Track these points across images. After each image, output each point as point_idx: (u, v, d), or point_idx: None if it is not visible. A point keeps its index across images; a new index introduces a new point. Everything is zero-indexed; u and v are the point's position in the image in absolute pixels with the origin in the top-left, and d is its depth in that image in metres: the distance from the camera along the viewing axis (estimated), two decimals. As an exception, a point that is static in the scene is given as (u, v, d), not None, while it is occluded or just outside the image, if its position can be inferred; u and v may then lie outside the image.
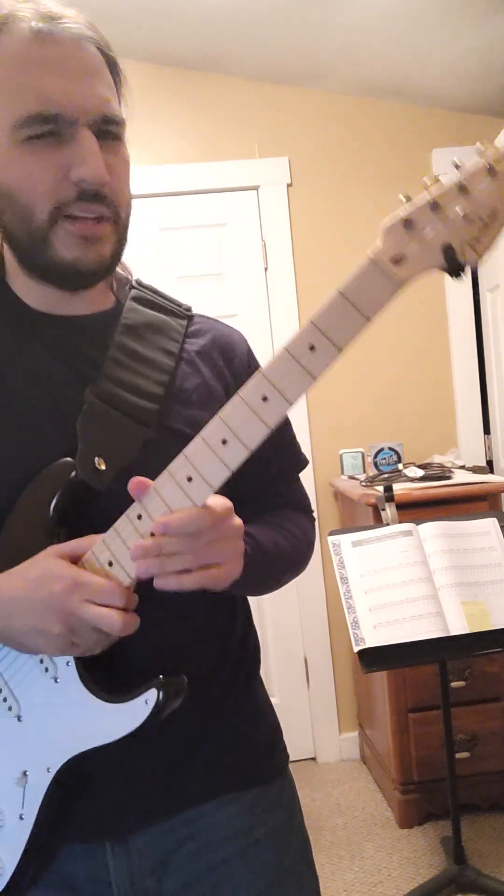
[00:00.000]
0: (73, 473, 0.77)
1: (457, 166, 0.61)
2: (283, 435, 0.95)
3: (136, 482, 0.70)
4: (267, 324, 2.87)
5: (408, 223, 0.61)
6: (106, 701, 0.74)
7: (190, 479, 0.68)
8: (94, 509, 0.79)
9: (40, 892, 0.82)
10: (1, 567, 0.78)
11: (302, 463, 1.01)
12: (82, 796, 0.81)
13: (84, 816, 0.81)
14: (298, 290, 2.89)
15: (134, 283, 0.93)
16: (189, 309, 0.94)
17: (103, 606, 0.70)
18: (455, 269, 0.62)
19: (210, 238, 2.88)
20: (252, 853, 0.87)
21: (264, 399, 0.66)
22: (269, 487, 0.95)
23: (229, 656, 0.91)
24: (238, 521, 0.73)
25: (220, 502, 0.71)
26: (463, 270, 0.62)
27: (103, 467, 0.77)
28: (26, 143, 0.75)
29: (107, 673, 0.77)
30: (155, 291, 0.94)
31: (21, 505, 0.79)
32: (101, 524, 0.74)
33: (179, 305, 0.94)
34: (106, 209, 0.78)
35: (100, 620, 0.70)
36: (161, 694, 0.71)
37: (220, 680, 0.89)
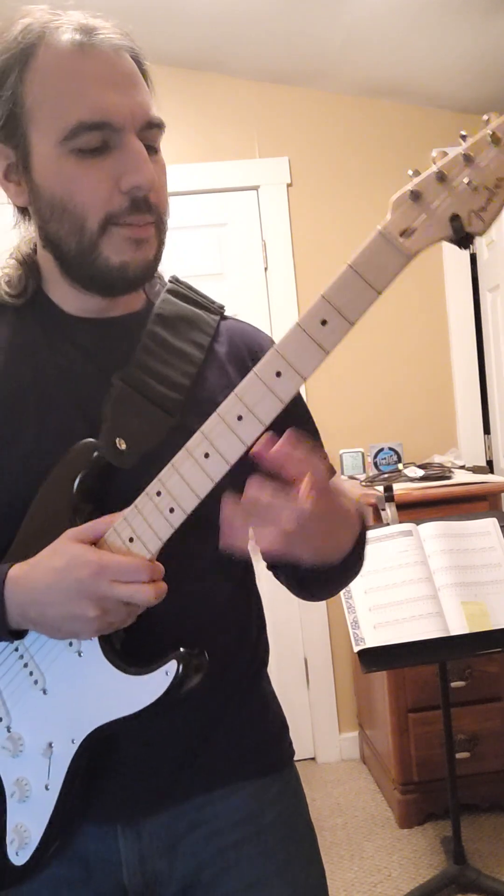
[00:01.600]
0: (95, 453, 0.80)
1: (463, 137, 0.62)
2: (298, 409, 0.96)
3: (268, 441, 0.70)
4: (267, 324, 2.87)
5: (415, 195, 0.63)
6: (127, 673, 0.77)
7: (207, 456, 0.71)
8: (115, 489, 0.81)
9: (55, 868, 0.84)
10: (27, 546, 0.80)
11: (317, 436, 1.02)
12: (99, 778, 0.83)
13: (97, 799, 0.83)
14: (298, 290, 2.89)
15: (170, 279, 0.96)
16: (222, 307, 0.96)
17: (131, 583, 0.73)
18: (463, 240, 0.63)
19: (210, 238, 2.88)
20: (261, 838, 0.89)
21: (278, 374, 0.68)
22: None
23: (245, 647, 0.93)
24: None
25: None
26: (471, 240, 0.64)
27: (123, 447, 0.79)
28: (75, 153, 0.76)
29: (130, 650, 0.79)
30: (190, 287, 0.96)
31: (45, 487, 0.81)
32: (124, 504, 0.77)
33: (213, 303, 0.96)
34: (152, 216, 0.80)
35: (132, 596, 0.72)
36: (181, 666, 0.74)
37: (234, 669, 0.91)
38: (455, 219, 0.62)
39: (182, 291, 0.94)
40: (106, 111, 0.75)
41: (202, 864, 0.87)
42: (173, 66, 2.76)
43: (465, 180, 0.61)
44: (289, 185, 2.90)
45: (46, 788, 0.81)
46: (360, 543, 0.84)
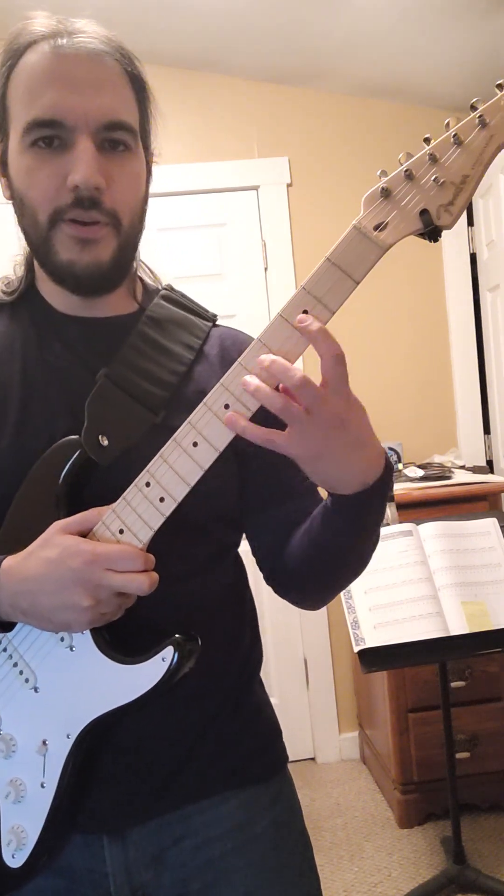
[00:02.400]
0: (78, 449, 0.80)
1: (427, 140, 0.68)
2: None
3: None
4: (267, 324, 2.87)
5: (385, 192, 0.68)
6: (122, 663, 0.77)
7: (196, 444, 0.72)
8: (97, 485, 0.81)
9: (41, 880, 0.83)
10: (11, 539, 0.80)
11: None
12: (85, 787, 0.82)
13: (83, 809, 0.82)
14: (298, 290, 2.89)
15: (165, 287, 0.97)
16: (215, 316, 0.97)
17: (125, 572, 0.73)
18: (432, 233, 0.68)
19: (210, 238, 2.88)
20: (250, 849, 0.88)
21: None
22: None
23: (237, 652, 0.92)
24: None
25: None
26: (440, 234, 0.68)
27: (106, 443, 0.80)
28: (33, 149, 0.79)
29: (121, 643, 0.79)
30: (185, 296, 0.97)
31: (28, 483, 0.82)
32: (106, 498, 0.77)
33: (206, 311, 0.97)
34: (100, 215, 0.80)
35: (126, 585, 0.73)
36: (177, 652, 0.74)
37: (225, 675, 0.90)
38: (424, 213, 0.67)
39: (176, 298, 0.95)
40: (58, 109, 0.78)
41: (190, 875, 0.86)
42: (173, 66, 2.76)
43: (433, 178, 0.67)
44: (289, 185, 2.90)
45: (42, 787, 0.80)
46: (385, 483, 0.77)
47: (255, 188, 2.89)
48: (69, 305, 0.89)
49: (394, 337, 2.96)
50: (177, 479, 0.73)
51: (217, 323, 0.97)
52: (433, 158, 0.67)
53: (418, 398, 2.99)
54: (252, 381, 0.68)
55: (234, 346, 0.94)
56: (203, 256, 2.87)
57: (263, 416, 0.69)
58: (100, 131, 0.79)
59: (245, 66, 2.78)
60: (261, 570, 0.96)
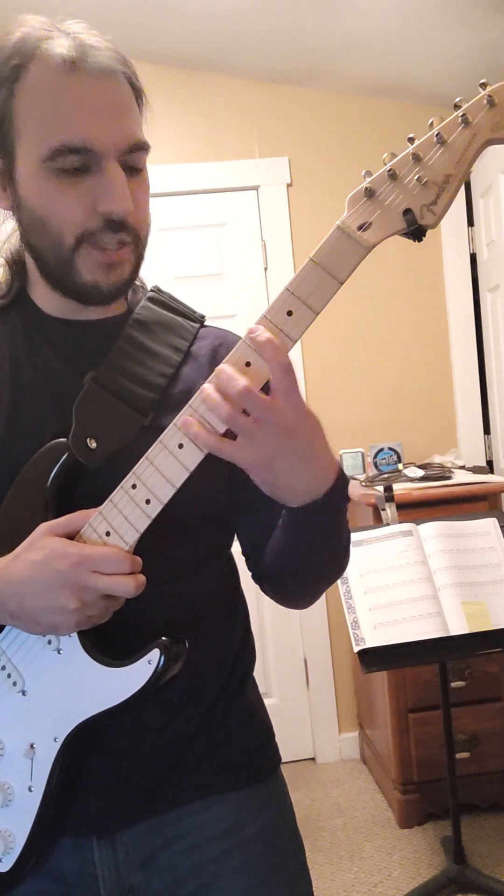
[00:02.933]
0: (66, 452, 0.80)
1: (411, 139, 0.68)
2: None
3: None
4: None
5: (369, 192, 0.68)
6: (109, 666, 0.77)
7: (181, 446, 0.72)
8: (86, 488, 0.81)
9: (30, 883, 0.83)
10: (0, 542, 0.80)
11: None
12: (74, 789, 0.82)
13: (73, 811, 0.82)
14: (298, 290, 2.89)
15: (152, 288, 0.97)
16: (203, 317, 0.97)
17: (112, 574, 0.73)
18: (416, 232, 0.68)
19: (210, 238, 2.88)
20: (240, 852, 0.87)
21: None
22: None
23: (228, 653, 0.92)
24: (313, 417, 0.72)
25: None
26: (424, 233, 0.68)
27: (94, 446, 0.80)
28: (56, 173, 0.78)
29: (109, 646, 0.79)
30: (172, 297, 0.97)
31: (17, 485, 0.82)
32: (93, 500, 0.77)
33: (194, 312, 0.97)
34: (128, 236, 0.81)
35: (113, 587, 0.73)
36: (163, 655, 0.74)
37: (216, 677, 0.90)
38: (408, 212, 0.67)
39: (163, 300, 0.95)
40: (87, 136, 0.76)
41: (180, 878, 0.86)
42: (173, 65, 2.76)
43: (416, 177, 0.67)
44: (289, 185, 2.90)
45: (30, 790, 0.80)
46: (337, 493, 0.77)
47: (256, 188, 2.89)
48: (60, 309, 0.88)
49: (394, 337, 2.96)
50: (162, 481, 0.73)
51: (206, 324, 0.96)
52: (416, 158, 0.67)
53: (418, 398, 2.99)
54: (206, 388, 0.70)
55: (223, 346, 0.94)
56: (203, 256, 2.87)
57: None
58: (124, 154, 0.79)
59: (245, 66, 2.78)
60: (248, 569, 0.96)
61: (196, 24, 2.48)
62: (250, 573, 0.96)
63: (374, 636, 1.77)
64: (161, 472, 0.73)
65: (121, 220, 0.79)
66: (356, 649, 1.77)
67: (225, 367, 0.69)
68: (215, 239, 2.88)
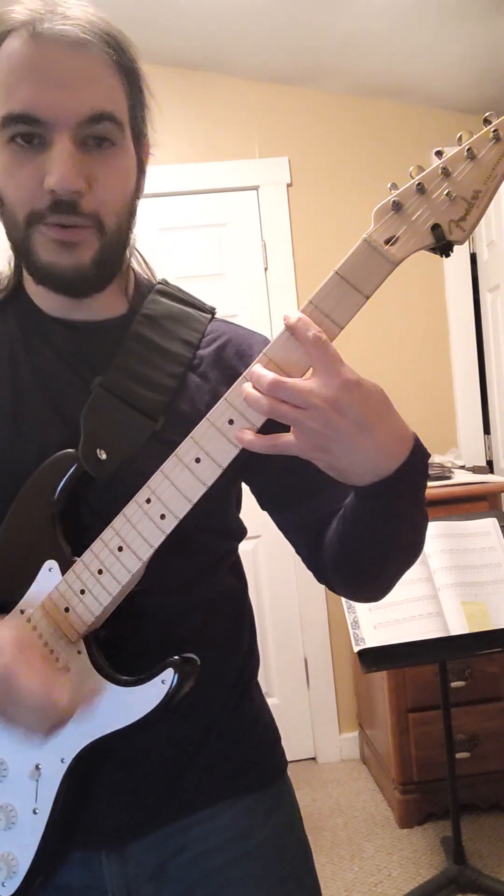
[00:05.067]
0: (76, 465, 0.78)
1: (439, 153, 0.66)
2: None
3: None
4: (267, 324, 2.87)
5: (397, 205, 0.66)
6: (122, 685, 0.75)
7: (198, 461, 0.71)
8: (95, 499, 0.80)
9: None
10: (4, 556, 0.80)
11: None
12: (82, 803, 0.80)
13: (81, 826, 0.81)
14: (298, 290, 2.89)
15: (160, 281, 0.93)
16: (213, 309, 0.93)
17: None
18: (444, 248, 0.67)
19: (210, 238, 2.88)
20: (250, 859, 0.86)
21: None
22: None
23: (235, 660, 0.91)
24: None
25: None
26: (451, 249, 0.67)
27: (104, 457, 0.78)
28: (10, 145, 0.75)
29: (117, 660, 0.78)
30: (181, 290, 0.94)
31: (21, 497, 0.80)
32: (104, 514, 0.75)
33: (204, 304, 0.93)
34: (80, 219, 0.76)
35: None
36: (177, 674, 0.72)
37: (224, 683, 0.89)
38: (436, 228, 0.66)
39: (172, 292, 0.92)
40: (33, 105, 0.73)
41: (190, 887, 0.85)
42: (173, 65, 2.76)
43: (445, 192, 0.65)
44: (289, 185, 2.90)
45: (35, 813, 0.78)
46: (411, 470, 0.71)
47: (256, 188, 2.89)
48: (55, 307, 0.85)
49: (394, 337, 2.96)
50: (178, 496, 0.72)
51: (215, 316, 0.93)
52: (445, 172, 0.66)
53: (418, 398, 2.99)
54: (245, 387, 0.68)
55: (233, 344, 0.91)
56: (203, 256, 2.87)
57: (274, 424, 0.68)
58: (82, 127, 0.74)
59: (245, 65, 2.78)
60: (308, 568, 0.92)
61: (196, 24, 2.48)
62: (313, 573, 0.92)
63: (374, 636, 1.77)
64: (176, 486, 0.72)
65: (69, 201, 0.74)
66: (356, 649, 1.76)
67: (254, 369, 0.67)
68: (215, 239, 2.88)
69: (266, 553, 2.87)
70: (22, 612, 0.80)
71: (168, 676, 0.72)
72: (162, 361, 0.85)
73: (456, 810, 2.08)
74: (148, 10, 2.36)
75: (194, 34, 2.55)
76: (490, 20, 2.38)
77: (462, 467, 2.77)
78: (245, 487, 0.94)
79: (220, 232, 2.89)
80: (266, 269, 2.90)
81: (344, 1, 2.31)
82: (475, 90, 2.80)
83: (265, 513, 0.93)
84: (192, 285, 0.96)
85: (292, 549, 0.93)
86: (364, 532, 0.77)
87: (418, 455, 0.72)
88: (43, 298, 0.86)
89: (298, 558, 0.92)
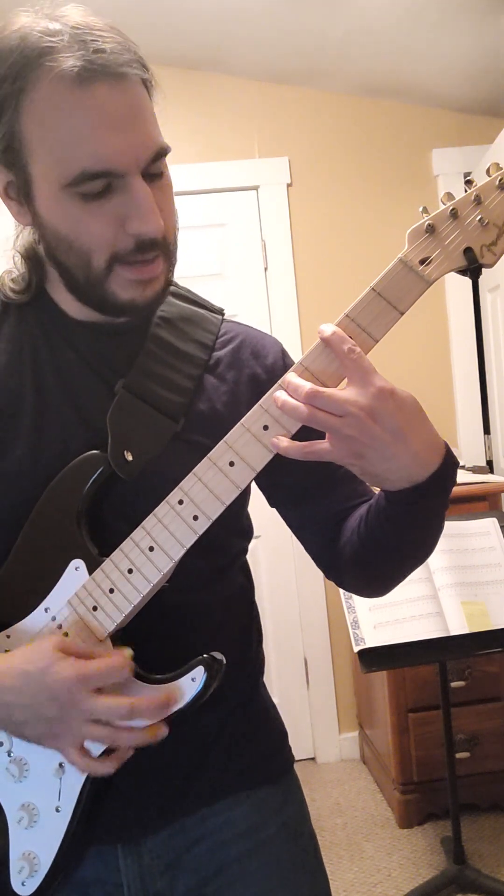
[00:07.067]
0: (103, 466, 0.80)
1: (468, 182, 0.71)
2: None
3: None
4: (267, 324, 2.87)
5: (431, 228, 0.71)
6: (148, 682, 0.75)
7: (232, 464, 0.74)
8: (117, 499, 0.81)
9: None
10: (27, 554, 0.80)
11: None
12: (99, 798, 0.81)
13: (97, 821, 0.81)
14: (298, 290, 2.89)
15: (170, 282, 0.93)
16: (222, 310, 0.96)
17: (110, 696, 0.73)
18: (475, 271, 0.72)
19: (210, 238, 2.88)
20: (263, 851, 0.88)
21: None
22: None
23: (246, 658, 0.93)
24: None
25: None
26: (480, 272, 0.72)
27: (130, 458, 0.80)
28: (79, 196, 0.74)
29: (140, 656, 0.78)
30: (189, 290, 0.95)
31: (48, 496, 0.81)
32: (127, 514, 0.77)
33: (213, 305, 0.96)
34: (159, 250, 0.78)
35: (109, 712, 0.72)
36: (206, 673, 0.74)
37: (236, 680, 0.90)
38: (468, 251, 0.71)
39: (183, 293, 0.94)
40: (109, 159, 0.71)
41: (204, 879, 0.86)
42: (173, 65, 2.76)
43: (477, 218, 0.70)
44: (289, 185, 2.90)
45: (57, 811, 0.78)
46: (441, 478, 0.76)
47: (256, 188, 2.89)
48: (84, 312, 0.85)
49: (393, 337, 2.94)
50: (211, 498, 0.74)
51: (224, 316, 0.95)
52: (478, 200, 0.70)
53: (418, 398, 2.96)
54: (280, 395, 0.71)
55: (249, 346, 0.92)
56: (203, 256, 2.87)
57: (307, 431, 0.71)
58: (147, 166, 0.75)
59: (246, 65, 2.78)
60: (317, 565, 0.95)
61: (196, 24, 2.48)
62: (321, 569, 0.94)
63: (374, 636, 1.77)
64: (210, 488, 0.74)
65: (154, 239, 0.76)
66: (356, 649, 1.77)
67: (289, 378, 0.71)
68: (215, 239, 2.88)
69: (266, 553, 2.87)
70: (46, 610, 0.80)
71: (199, 674, 0.74)
72: (180, 363, 0.87)
73: (456, 810, 2.08)
74: (148, 9, 2.36)
75: (194, 34, 2.55)
76: (490, 20, 2.38)
77: (462, 467, 2.77)
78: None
79: (220, 232, 2.89)
80: (266, 269, 2.90)
81: (344, 1, 2.31)
82: (475, 90, 2.80)
83: (265, 513, 0.94)
84: (193, 285, 0.97)
85: (292, 550, 0.94)
86: (391, 533, 0.82)
87: (449, 463, 0.77)
88: (72, 305, 0.85)
89: (298, 558, 0.94)
